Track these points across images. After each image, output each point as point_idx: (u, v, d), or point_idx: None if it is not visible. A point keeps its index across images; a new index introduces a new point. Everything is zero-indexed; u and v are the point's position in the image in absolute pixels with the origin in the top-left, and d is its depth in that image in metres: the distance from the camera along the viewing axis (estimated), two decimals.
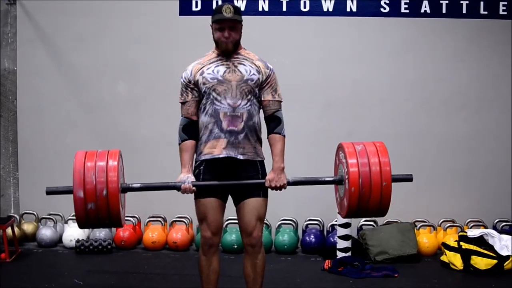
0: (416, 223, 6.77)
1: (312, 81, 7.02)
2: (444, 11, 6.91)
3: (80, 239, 6.59)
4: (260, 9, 6.94)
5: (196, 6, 6.96)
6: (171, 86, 6.98)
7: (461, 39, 7.00)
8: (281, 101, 4.24)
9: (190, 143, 4.16)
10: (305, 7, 6.94)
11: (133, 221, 6.86)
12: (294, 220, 6.84)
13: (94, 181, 3.81)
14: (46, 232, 6.79)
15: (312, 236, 6.66)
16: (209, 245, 4.22)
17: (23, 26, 7.07)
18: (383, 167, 3.97)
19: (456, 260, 5.97)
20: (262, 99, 4.18)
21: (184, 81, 4.17)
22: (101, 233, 6.74)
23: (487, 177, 7.03)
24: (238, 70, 4.11)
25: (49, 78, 7.12)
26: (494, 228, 6.75)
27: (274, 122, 4.18)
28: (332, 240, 6.44)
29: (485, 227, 6.65)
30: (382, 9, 6.90)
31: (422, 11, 6.90)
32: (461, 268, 5.93)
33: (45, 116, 7.15)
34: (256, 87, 4.13)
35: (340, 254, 6.12)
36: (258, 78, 4.13)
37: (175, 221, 6.85)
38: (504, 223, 6.82)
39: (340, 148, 4.18)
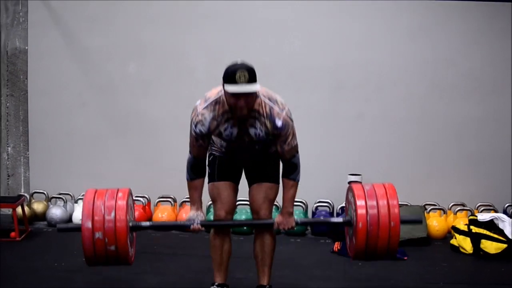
0: (426, 207, 6.76)
1: (323, 63, 6.98)
2: None
3: None
4: None
5: None
6: (182, 68, 7.04)
7: (473, 22, 6.92)
8: (295, 146, 4.10)
9: (199, 181, 4.19)
10: None
11: (143, 201, 6.87)
12: (304, 202, 6.82)
13: (103, 220, 3.91)
14: (56, 212, 6.82)
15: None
16: None
17: (35, 5, 7.05)
18: (392, 209, 3.99)
19: (466, 244, 5.96)
20: (276, 147, 4.12)
21: (200, 133, 4.02)
22: None
23: (498, 161, 6.99)
24: (248, 133, 4.02)
25: (61, 58, 7.11)
26: (505, 212, 6.73)
27: (289, 168, 4.14)
28: None
29: (496, 211, 6.63)
30: None
31: None
32: (471, 252, 5.92)
33: (56, 96, 7.15)
34: (267, 139, 4.09)
35: None
36: (267, 138, 4.07)
37: (185, 201, 6.83)
38: None
39: (349, 189, 4.23)
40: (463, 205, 6.82)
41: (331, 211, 6.82)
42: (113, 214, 3.91)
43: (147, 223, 4.25)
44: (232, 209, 4.32)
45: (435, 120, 7.00)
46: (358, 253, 4.06)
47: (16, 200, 6.36)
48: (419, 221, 4.25)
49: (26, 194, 7.02)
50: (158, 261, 5.61)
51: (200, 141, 4.05)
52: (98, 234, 3.88)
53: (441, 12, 6.90)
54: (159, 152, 7.07)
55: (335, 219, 4.28)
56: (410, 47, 6.97)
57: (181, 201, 6.87)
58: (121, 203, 3.96)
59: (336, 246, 6.01)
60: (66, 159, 7.15)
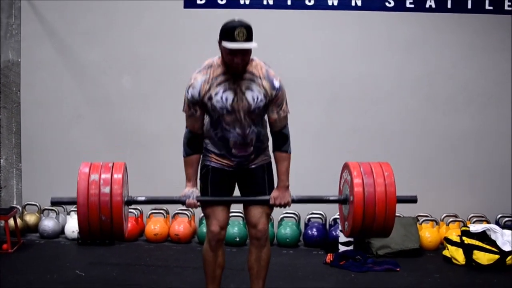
0: (419, 218, 6.77)
1: (317, 76, 6.97)
2: (449, 6, 6.87)
3: None
4: (265, 2, 6.91)
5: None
6: (178, 81, 6.95)
7: (468, 35, 6.94)
8: (287, 115, 4.11)
9: (195, 157, 4.14)
10: (310, 1, 6.92)
11: (136, 213, 6.86)
12: (297, 213, 6.83)
13: (98, 193, 3.87)
14: (49, 224, 6.80)
15: (315, 230, 6.65)
16: (216, 239, 4.22)
17: (28, 18, 7.04)
18: (388, 188, 4.00)
19: (458, 255, 5.97)
20: (268, 116, 4.08)
21: (191, 99, 4.00)
22: None
23: (491, 173, 7.00)
24: (245, 98, 3.97)
25: (54, 71, 7.09)
26: (497, 223, 6.73)
27: (281, 140, 4.10)
28: (334, 233, 6.43)
29: (488, 222, 6.63)
30: (387, 4, 6.86)
31: (427, 6, 6.86)
32: (463, 263, 5.93)
33: (50, 109, 7.13)
34: (263, 109, 4.05)
35: (342, 248, 6.12)
36: (265, 103, 4.01)
37: (178, 213, 6.84)
38: (506, 219, 6.80)
39: (345, 167, 4.23)
40: (455, 216, 6.83)
41: (324, 222, 6.83)
42: (108, 188, 3.88)
43: (142, 197, 4.20)
44: (226, 224, 4.28)
45: (431, 133, 7.00)
46: (354, 229, 4.03)
47: (8, 212, 6.34)
48: (414, 200, 4.27)
49: (18, 206, 6.99)
50: (151, 273, 5.60)
51: (192, 109, 4.01)
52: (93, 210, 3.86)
53: (438, 24, 6.90)
54: (155, 166, 7.04)
55: (332, 197, 4.28)
56: (406, 60, 6.98)
57: (174, 213, 6.86)
58: (117, 176, 3.94)
59: (329, 257, 6.01)
60: (59, 171, 7.13)
